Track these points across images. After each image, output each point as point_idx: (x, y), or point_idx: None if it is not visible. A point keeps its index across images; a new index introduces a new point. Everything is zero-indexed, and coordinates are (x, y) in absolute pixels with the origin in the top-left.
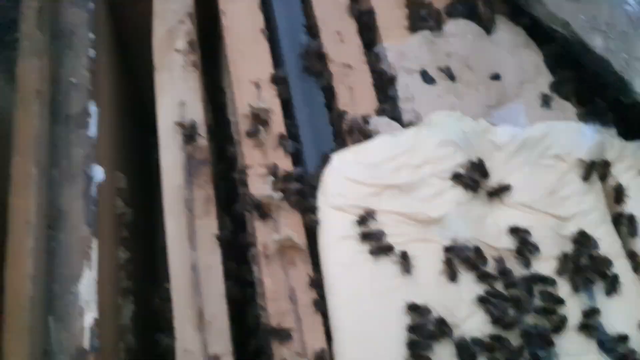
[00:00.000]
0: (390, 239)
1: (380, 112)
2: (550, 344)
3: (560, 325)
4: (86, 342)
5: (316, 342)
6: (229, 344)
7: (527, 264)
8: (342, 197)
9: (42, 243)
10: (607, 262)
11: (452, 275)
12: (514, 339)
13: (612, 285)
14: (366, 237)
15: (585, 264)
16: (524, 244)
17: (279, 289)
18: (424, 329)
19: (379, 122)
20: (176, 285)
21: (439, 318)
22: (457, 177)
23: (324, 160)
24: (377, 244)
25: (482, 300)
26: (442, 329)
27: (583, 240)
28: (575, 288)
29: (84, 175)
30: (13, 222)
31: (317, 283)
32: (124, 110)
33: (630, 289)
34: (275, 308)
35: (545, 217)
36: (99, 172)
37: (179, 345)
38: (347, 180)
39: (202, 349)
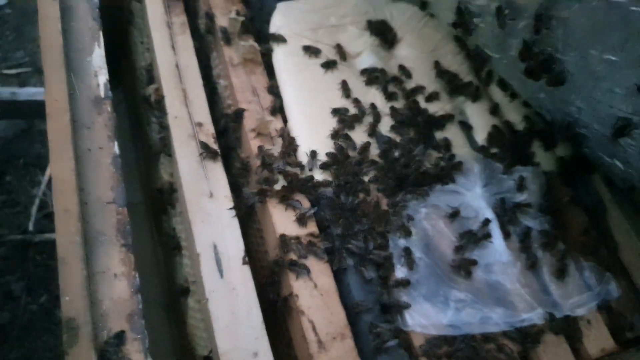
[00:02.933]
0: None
1: None
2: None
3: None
4: (102, 93)
5: (277, 123)
6: (208, 116)
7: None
8: (288, 29)
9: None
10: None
11: (369, 83)
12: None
13: (475, 96)
14: (313, 53)
15: (458, 85)
16: (405, 74)
17: (244, 85)
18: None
19: None
20: (164, 76)
21: (355, 98)
22: (370, 23)
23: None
24: (325, 59)
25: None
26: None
27: (452, 77)
28: (450, 93)
29: None
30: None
31: (270, 88)
32: None
33: (483, 103)
34: (243, 97)
35: (428, 64)
36: None
37: (171, 113)
38: (291, 18)
39: (189, 117)
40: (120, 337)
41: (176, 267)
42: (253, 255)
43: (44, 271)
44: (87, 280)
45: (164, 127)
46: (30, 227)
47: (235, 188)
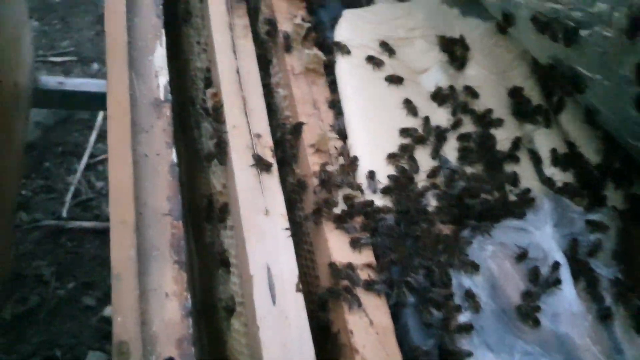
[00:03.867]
0: None
1: None
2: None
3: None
4: (162, 95)
5: (336, 141)
6: (267, 127)
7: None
8: (353, 39)
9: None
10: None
11: (440, 102)
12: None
13: (547, 121)
14: (376, 64)
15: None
16: (472, 95)
17: (305, 96)
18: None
19: None
20: (224, 82)
21: (425, 117)
22: (441, 38)
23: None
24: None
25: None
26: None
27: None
28: (518, 116)
29: None
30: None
31: (332, 103)
32: None
33: (555, 132)
34: (303, 110)
35: (497, 86)
36: None
37: (229, 122)
38: (357, 27)
39: (247, 128)
40: None
41: (218, 279)
42: (302, 278)
43: (74, 258)
44: (139, 299)
45: (219, 135)
46: (64, 214)
47: (288, 205)
